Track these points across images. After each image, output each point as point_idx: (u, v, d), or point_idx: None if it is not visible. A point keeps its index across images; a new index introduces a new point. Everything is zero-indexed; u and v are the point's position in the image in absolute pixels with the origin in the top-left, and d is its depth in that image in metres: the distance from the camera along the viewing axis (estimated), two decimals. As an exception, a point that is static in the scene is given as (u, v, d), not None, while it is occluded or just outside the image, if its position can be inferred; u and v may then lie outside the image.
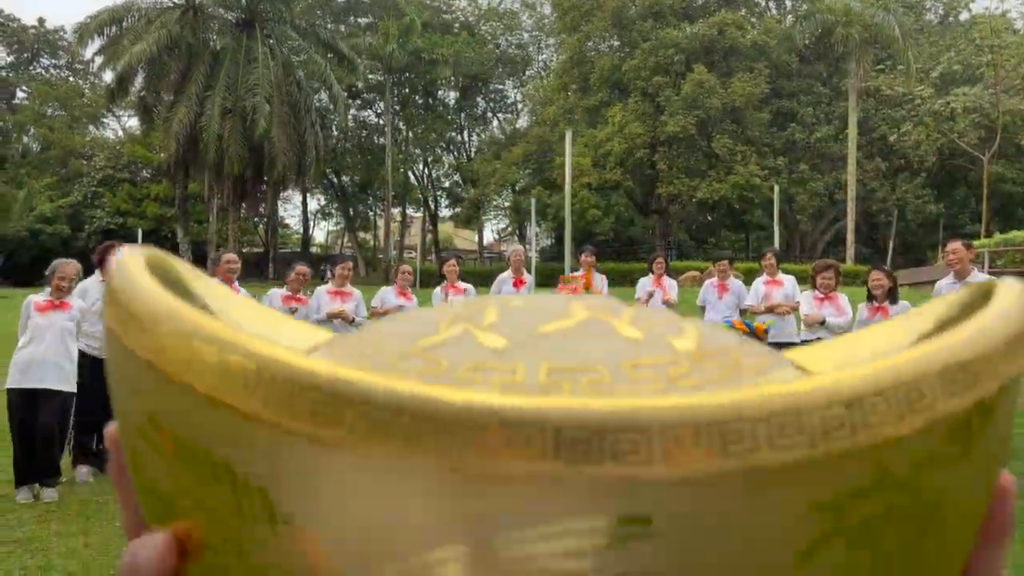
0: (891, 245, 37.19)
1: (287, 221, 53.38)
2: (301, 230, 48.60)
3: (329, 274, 8.34)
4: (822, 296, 7.69)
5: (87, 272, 6.44)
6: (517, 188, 43.14)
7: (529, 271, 9.70)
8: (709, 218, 47.75)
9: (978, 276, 6.61)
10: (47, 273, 6.02)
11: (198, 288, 0.42)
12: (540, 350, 0.34)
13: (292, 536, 0.30)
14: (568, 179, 26.96)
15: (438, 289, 8.36)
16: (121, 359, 0.34)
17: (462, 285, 8.23)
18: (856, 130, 35.10)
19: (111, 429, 0.37)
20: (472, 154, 47.46)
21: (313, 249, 50.71)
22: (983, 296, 0.38)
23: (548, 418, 0.27)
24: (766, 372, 0.35)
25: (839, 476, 0.28)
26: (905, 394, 0.29)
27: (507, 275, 9.10)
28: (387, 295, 8.18)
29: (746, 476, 0.27)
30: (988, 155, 32.16)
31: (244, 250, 39.41)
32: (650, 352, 0.34)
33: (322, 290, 7.73)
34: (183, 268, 0.42)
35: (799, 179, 37.03)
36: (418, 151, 45.98)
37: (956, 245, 6.60)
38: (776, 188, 29.59)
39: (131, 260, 0.36)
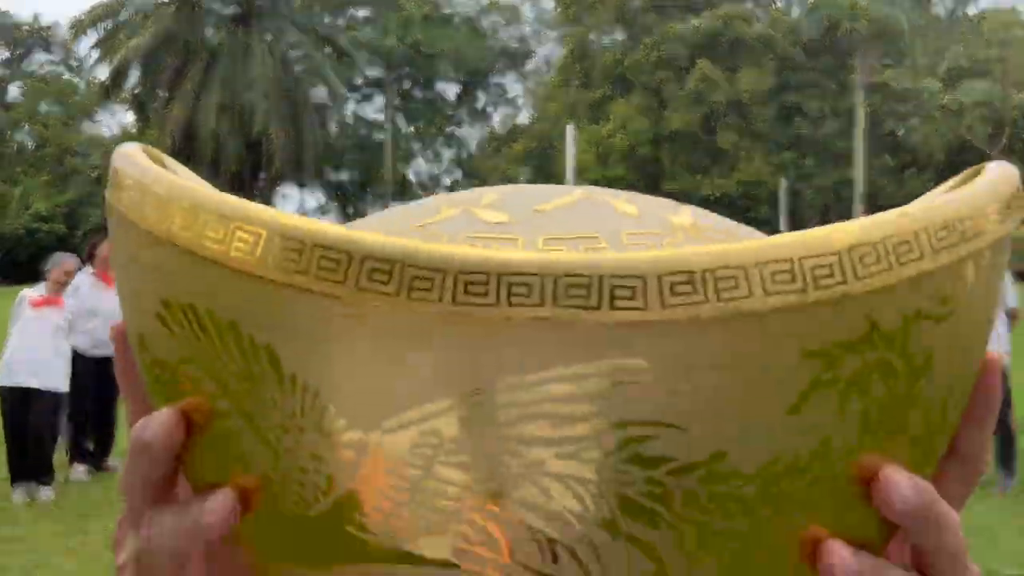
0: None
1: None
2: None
3: None
4: None
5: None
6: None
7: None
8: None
9: None
10: (47, 267, 5.95)
11: (189, 178, 0.44)
12: (539, 224, 0.36)
13: (297, 394, 0.31)
14: (570, 176, 26.79)
15: None
16: (129, 241, 0.35)
17: None
18: (863, 125, 34.97)
19: (118, 325, 0.38)
20: (473, 150, 47.34)
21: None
22: (977, 173, 0.39)
23: (548, 267, 0.28)
24: None
25: (830, 325, 0.30)
26: (894, 246, 0.30)
27: None
28: None
29: (739, 321, 0.29)
30: (995, 151, 31.97)
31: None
32: (646, 226, 0.37)
33: None
34: (173, 162, 0.44)
35: (805, 175, 36.69)
36: (418, 147, 45.83)
37: None
38: (783, 183, 29.50)
39: (132, 150, 0.38)
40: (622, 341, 0.29)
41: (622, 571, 0.30)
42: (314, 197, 48.61)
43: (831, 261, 0.29)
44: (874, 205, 38.07)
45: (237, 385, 0.32)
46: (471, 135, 47.72)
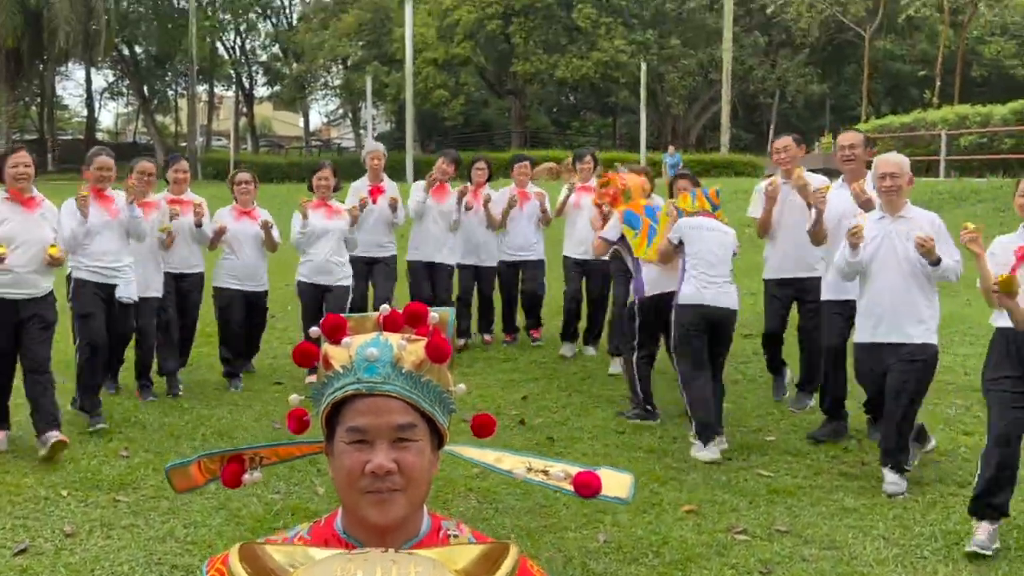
0: (772, 128, 38.38)
1: (65, 101, 50.34)
2: (85, 112, 46.00)
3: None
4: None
5: None
6: (349, 63, 42.02)
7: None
8: (572, 100, 47.86)
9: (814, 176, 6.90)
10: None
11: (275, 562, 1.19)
12: None
13: None
14: (409, 54, 26.34)
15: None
16: None
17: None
18: (733, -1, 35.69)
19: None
20: (294, 22, 45.81)
21: (100, 135, 48.16)
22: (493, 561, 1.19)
23: None
24: None
25: None
26: None
27: (363, 182, 8.81)
28: (225, 217, 7.99)
29: None
30: (870, 30, 33.60)
31: (15, 137, 37.15)
32: None
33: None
34: (263, 554, 1.19)
35: (670, 55, 37.54)
36: (228, 17, 44.19)
37: (787, 141, 7.02)
38: (643, 66, 29.90)
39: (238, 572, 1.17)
40: None
41: None
42: (102, 75, 46.22)
43: None
44: (745, 91, 39.21)
45: None
46: (292, 4, 46.22)
